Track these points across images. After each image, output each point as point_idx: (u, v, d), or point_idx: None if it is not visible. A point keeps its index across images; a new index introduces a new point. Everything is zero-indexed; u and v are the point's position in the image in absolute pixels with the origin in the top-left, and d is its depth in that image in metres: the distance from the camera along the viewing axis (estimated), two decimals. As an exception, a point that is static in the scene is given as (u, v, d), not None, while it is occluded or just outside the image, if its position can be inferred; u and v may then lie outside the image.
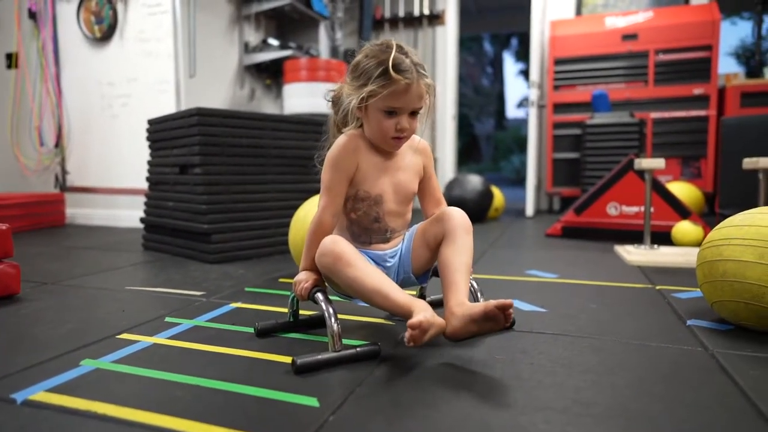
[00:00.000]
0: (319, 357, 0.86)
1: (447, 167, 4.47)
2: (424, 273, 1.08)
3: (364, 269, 0.91)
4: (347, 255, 0.92)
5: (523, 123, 14.64)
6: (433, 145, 4.40)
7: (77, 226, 3.02)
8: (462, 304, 0.88)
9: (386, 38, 0.99)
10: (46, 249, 2.18)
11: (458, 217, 0.99)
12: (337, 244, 0.93)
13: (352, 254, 0.92)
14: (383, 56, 0.92)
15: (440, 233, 1.00)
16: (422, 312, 0.82)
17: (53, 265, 1.81)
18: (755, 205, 1.79)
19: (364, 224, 1.03)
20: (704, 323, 1.11)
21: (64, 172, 3.24)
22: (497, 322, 0.83)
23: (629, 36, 3.65)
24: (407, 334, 0.80)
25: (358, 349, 0.90)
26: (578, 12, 4.16)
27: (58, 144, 3.19)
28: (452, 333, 0.87)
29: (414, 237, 1.06)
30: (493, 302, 0.83)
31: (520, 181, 10.68)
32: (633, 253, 1.90)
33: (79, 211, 3.19)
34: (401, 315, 0.88)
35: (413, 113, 0.97)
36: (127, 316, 1.18)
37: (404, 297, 0.88)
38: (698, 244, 2.09)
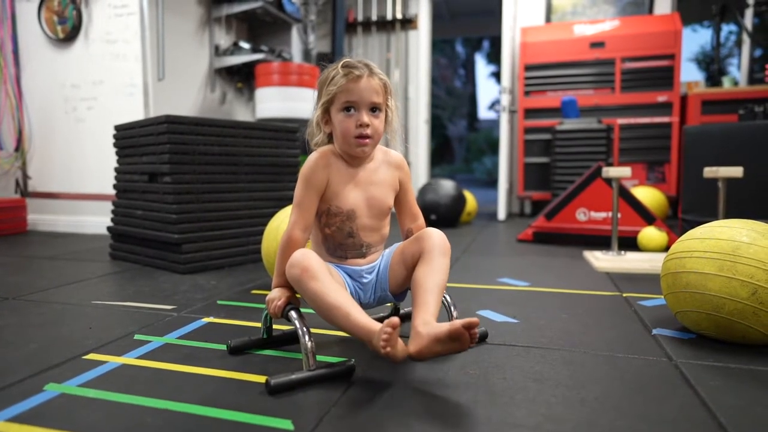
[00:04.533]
0: (293, 377, 0.86)
1: (420, 172, 4.50)
2: (401, 291, 1.09)
3: (328, 285, 0.90)
4: (314, 268, 0.91)
5: (494, 124, 14.86)
6: (406, 150, 4.42)
7: (40, 233, 2.92)
8: (427, 324, 0.86)
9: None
10: (7, 259, 2.10)
11: (436, 238, 1.00)
12: (305, 256, 0.92)
13: (319, 268, 0.91)
14: (336, 64, 0.98)
15: (417, 252, 1.01)
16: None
17: (14, 277, 1.75)
18: (716, 211, 1.86)
19: (338, 239, 1.03)
20: (668, 332, 1.15)
21: (26, 176, 3.12)
22: (462, 342, 0.82)
23: (597, 44, 3.75)
24: (384, 336, 0.78)
25: (332, 366, 0.90)
26: (548, 19, 4.25)
27: (19, 148, 3.08)
28: (417, 352, 0.84)
29: (393, 255, 1.07)
30: (458, 321, 0.81)
31: (492, 182, 10.83)
32: (601, 260, 1.95)
33: (41, 218, 3.08)
34: (360, 336, 0.86)
35: (373, 110, 0.98)
36: (93, 333, 1.15)
37: (366, 319, 0.86)
38: (663, 249, 2.16)
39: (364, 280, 1.05)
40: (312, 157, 1.01)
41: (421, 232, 1.03)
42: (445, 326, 0.83)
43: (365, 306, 1.08)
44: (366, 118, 0.96)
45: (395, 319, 0.79)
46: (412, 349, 0.85)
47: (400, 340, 0.83)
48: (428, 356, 0.85)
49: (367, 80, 0.96)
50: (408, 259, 1.03)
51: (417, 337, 0.85)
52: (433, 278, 0.95)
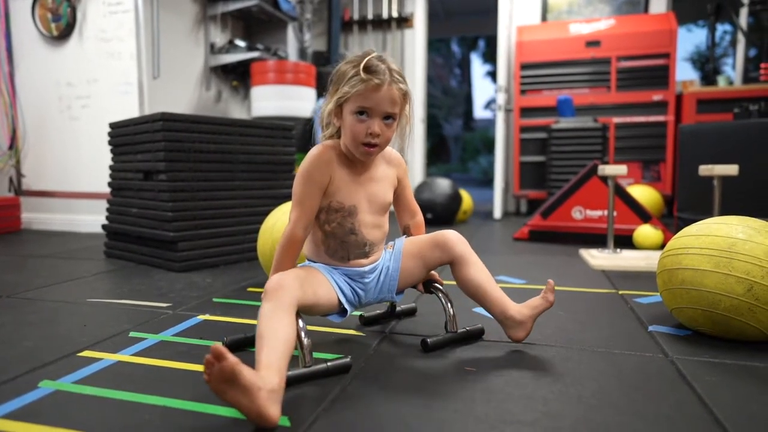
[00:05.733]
0: (290, 373, 0.85)
1: (416, 171, 4.50)
2: (402, 291, 1.10)
3: (274, 317, 0.82)
4: (275, 296, 0.85)
5: (490, 123, 14.88)
6: (402, 149, 4.42)
7: (34, 232, 2.90)
8: (521, 312, 1.02)
9: (369, 48, 1.00)
10: (1, 258, 2.09)
11: (459, 240, 1.06)
12: (280, 279, 0.87)
13: (280, 296, 0.85)
14: (358, 60, 0.94)
15: (446, 258, 1.06)
16: (259, 378, 0.71)
17: (8, 276, 1.73)
18: (711, 209, 1.87)
19: (339, 237, 1.01)
20: (664, 329, 1.15)
21: (20, 175, 3.10)
22: (551, 304, 1.03)
23: (592, 43, 3.75)
24: (204, 360, 0.69)
25: (328, 363, 0.89)
26: (544, 18, 4.25)
27: (13, 146, 3.06)
28: (526, 335, 1.04)
29: (405, 256, 1.07)
30: (549, 296, 1.02)
31: (488, 181, 10.86)
32: (597, 258, 1.95)
33: (36, 216, 3.06)
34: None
35: (387, 119, 0.95)
36: (88, 331, 1.14)
37: (270, 364, 0.76)
38: (658, 247, 2.17)
39: (366, 280, 1.04)
40: (313, 153, 0.98)
41: (441, 239, 1.06)
42: (540, 305, 1.02)
43: (365, 305, 1.08)
44: (377, 127, 0.94)
45: (219, 350, 0.68)
46: (522, 335, 1.03)
47: (255, 391, 0.69)
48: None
49: (386, 89, 0.92)
50: (432, 264, 1.08)
51: (519, 325, 1.03)
52: (484, 275, 1.06)
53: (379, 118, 0.94)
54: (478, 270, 1.05)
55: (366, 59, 0.93)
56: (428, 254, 1.07)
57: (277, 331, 0.80)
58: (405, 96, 0.97)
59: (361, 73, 0.92)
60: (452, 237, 1.06)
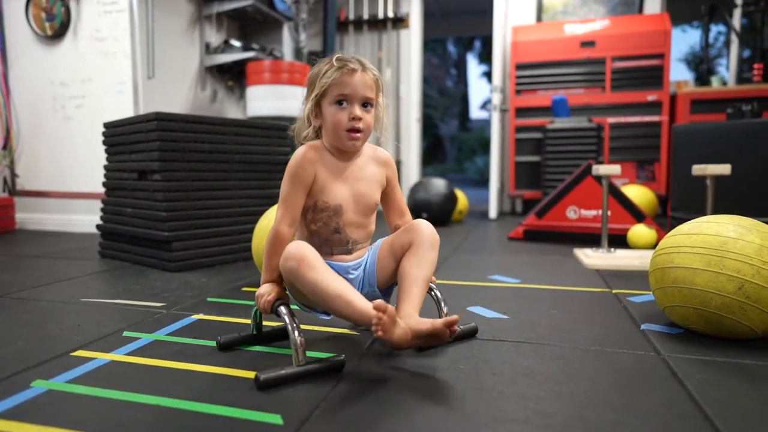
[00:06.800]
0: (283, 372, 0.85)
1: (411, 170, 4.50)
2: (388, 287, 1.08)
3: (326, 274, 0.90)
4: (310, 258, 0.91)
5: (486, 124, 14.89)
6: (397, 149, 4.43)
7: (28, 232, 2.89)
8: (409, 317, 0.91)
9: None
10: (-6, 258, 2.08)
11: (426, 230, 1.01)
12: (300, 247, 0.92)
13: (315, 258, 0.91)
14: (330, 59, 0.99)
15: (407, 243, 1.01)
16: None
17: (2, 275, 1.73)
18: (704, 208, 1.88)
19: (324, 236, 1.02)
20: (657, 327, 1.16)
21: (14, 175, 3.09)
22: (441, 338, 0.87)
23: (587, 43, 3.77)
24: (374, 320, 0.80)
25: (322, 362, 0.90)
26: (539, 18, 4.27)
27: (6, 146, 3.04)
28: (396, 345, 0.85)
29: (380, 249, 1.06)
30: (439, 321, 0.86)
31: (483, 181, 10.86)
32: (591, 257, 1.96)
33: (30, 216, 3.05)
34: (364, 323, 0.87)
35: (365, 105, 0.98)
36: (82, 331, 1.14)
37: (367, 305, 0.86)
38: (652, 246, 2.18)
39: (351, 276, 1.04)
40: (299, 152, 1.00)
41: (411, 224, 1.03)
42: (426, 324, 0.87)
43: None
44: (359, 111, 0.97)
45: (382, 303, 0.81)
46: (388, 337, 0.84)
47: (400, 324, 0.84)
48: (406, 348, 0.88)
49: (361, 75, 0.97)
50: (397, 250, 1.03)
51: (395, 324, 0.86)
52: (419, 270, 0.98)
53: (359, 104, 0.98)
54: (417, 263, 0.98)
55: (337, 55, 0.99)
56: (396, 240, 1.03)
57: (344, 285, 0.90)
58: (378, 83, 1.00)
59: (335, 63, 0.97)
60: (422, 224, 1.02)
